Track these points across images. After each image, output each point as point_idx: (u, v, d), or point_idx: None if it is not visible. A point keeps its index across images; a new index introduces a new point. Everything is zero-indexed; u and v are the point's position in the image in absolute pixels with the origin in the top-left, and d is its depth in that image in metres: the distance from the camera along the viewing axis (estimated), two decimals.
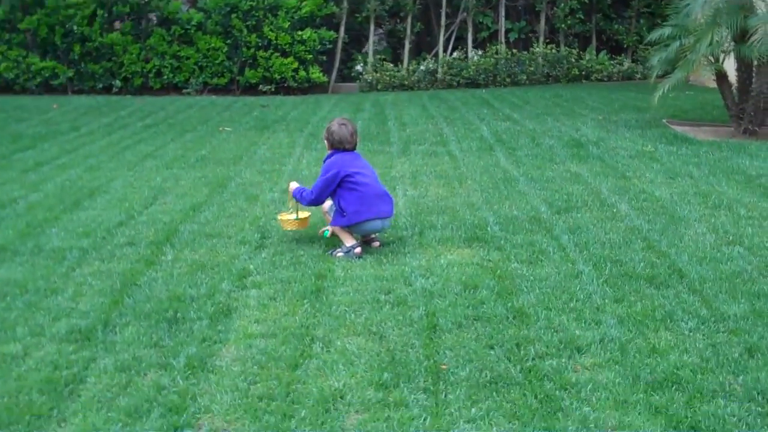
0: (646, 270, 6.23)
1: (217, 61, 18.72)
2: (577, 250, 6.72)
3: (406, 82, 19.20)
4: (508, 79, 19.37)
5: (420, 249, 6.87)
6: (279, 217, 7.26)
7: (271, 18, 18.67)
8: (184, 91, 18.77)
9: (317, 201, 6.86)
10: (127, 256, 6.85)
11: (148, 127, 13.48)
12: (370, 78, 19.21)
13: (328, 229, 7.03)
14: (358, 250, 6.77)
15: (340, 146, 6.83)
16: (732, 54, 12.14)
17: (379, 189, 6.88)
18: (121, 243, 7.20)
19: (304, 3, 18.73)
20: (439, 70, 19.39)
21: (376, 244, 7.08)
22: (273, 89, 18.89)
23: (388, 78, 19.14)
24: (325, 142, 6.96)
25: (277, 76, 18.78)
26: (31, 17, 18.31)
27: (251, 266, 6.52)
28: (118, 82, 18.65)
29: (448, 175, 9.50)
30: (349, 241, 6.83)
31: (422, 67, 19.45)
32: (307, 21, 18.81)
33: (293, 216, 7.14)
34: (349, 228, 6.80)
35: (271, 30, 18.65)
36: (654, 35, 12.74)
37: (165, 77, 18.69)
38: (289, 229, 7.19)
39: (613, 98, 16.01)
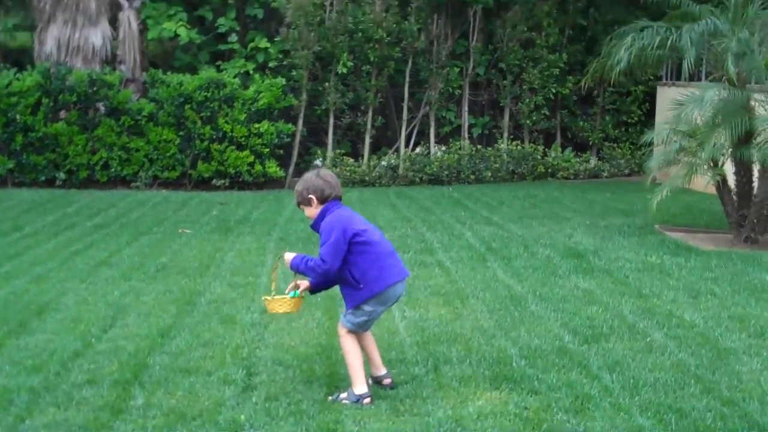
0: (718, 423, 5.18)
1: (168, 154, 17.55)
2: (626, 395, 5.67)
3: (367, 178, 18.19)
4: (472, 176, 18.46)
5: (440, 392, 5.76)
6: (266, 299, 5.97)
7: (227, 109, 17.60)
8: (132, 184, 17.53)
9: (332, 269, 5.59)
10: (87, 401, 5.64)
11: (99, 228, 12.21)
12: None
13: (296, 291, 5.88)
14: (367, 400, 5.61)
15: (330, 196, 5.75)
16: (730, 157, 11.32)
17: (389, 245, 5.91)
18: (79, 381, 5.98)
19: (261, 94, 17.70)
20: (401, 165, 18.42)
21: (388, 381, 5.92)
22: (227, 184, 17.74)
23: (348, 173, 18.10)
24: (312, 198, 5.73)
25: (231, 170, 17.64)
26: None
27: (242, 416, 5.35)
28: (62, 175, 17.35)
29: (445, 292, 8.40)
30: (360, 386, 5.64)
31: (384, 163, 18.49)
32: (264, 113, 17.76)
33: (287, 295, 5.87)
34: (372, 299, 5.66)
35: (226, 122, 17.57)
36: (648, 137, 11.91)
37: (112, 170, 17.45)
38: (280, 312, 5.97)
39: (590, 199, 15.12)
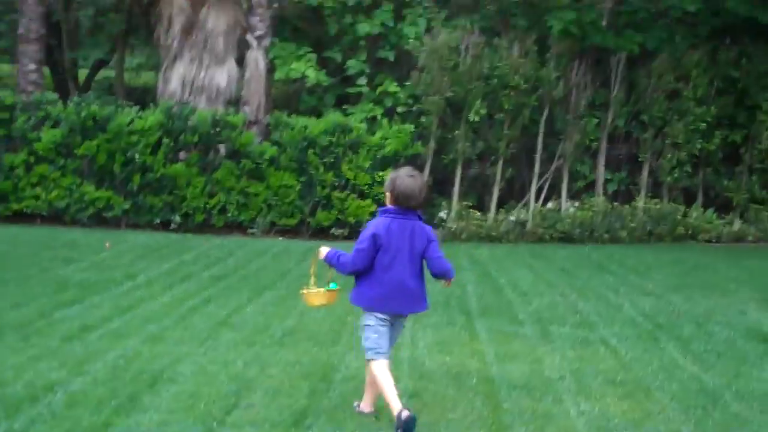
0: None
1: (287, 200, 16.52)
2: None
3: (494, 233, 16.85)
4: (606, 235, 16.98)
5: None
6: (304, 293, 6.27)
7: (351, 155, 16.51)
8: (249, 231, 16.53)
9: (355, 271, 5.87)
10: None
11: (217, 280, 11.12)
12: (455, 226, 16.89)
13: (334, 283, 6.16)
14: (405, 414, 5.53)
15: (404, 202, 5.75)
16: None
17: (404, 282, 5.81)
18: None
19: (388, 141, 16.58)
20: (530, 221, 17.03)
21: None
22: (346, 233, 16.60)
23: (474, 227, 16.81)
24: (387, 194, 5.87)
25: (352, 220, 16.51)
26: (91, 142, 16.25)
27: None
28: (177, 218, 16.45)
29: (621, 381, 7.00)
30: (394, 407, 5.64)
31: (512, 218, 17.13)
32: (390, 161, 16.62)
33: (321, 289, 6.16)
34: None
35: (349, 169, 16.47)
36: None
37: (229, 214, 16.48)
38: (316, 304, 6.31)
39: (748, 267, 13.53)
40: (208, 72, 17.82)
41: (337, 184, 16.49)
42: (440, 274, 5.96)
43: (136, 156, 16.19)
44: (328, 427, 5.76)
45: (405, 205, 5.74)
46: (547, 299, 10.29)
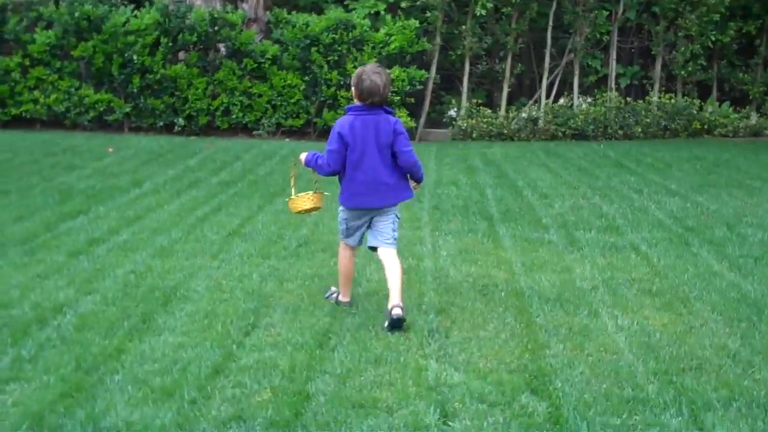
0: None
1: (292, 100, 15.99)
2: None
3: (505, 131, 16.38)
4: (620, 131, 16.51)
5: None
6: (289, 200, 6.30)
7: (356, 53, 15.92)
8: (254, 132, 16.05)
9: (332, 167, 5.89)
10: None
11: (226, 186, 10.69)
12: (465, 125, 16.40)
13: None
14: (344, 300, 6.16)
15: (368, 98, 5.73)
16: None
17: (376, 177, 5.83)
18: (222, 417, 4.44)
19: (392, 38, 15.96)
20: (542, 118, 16.53)
21: (397, 312, 5.66)
22: None
23: (485, 125, 16.32)
24: (353, 90, 5.83)
25: None
26: (86, 44, 15.65)
27: None
28: (181, 120, 15.94)
29: (658, 290, 6.62)
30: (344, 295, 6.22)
31: (524, 115, 16.62)
32: (395, 58, 16.04)
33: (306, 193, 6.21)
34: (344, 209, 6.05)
35: (354, 67, 15.88)
36: None
37: (234, 116, 15.97)
38: (302, 209, 6.28)
39: None
40: None
41: (342, 82, 15.93)
42: (408, 169, 5.94)
43: (134, 57, 15.61)
44: (354, 346, 5.39)
45: (369, 101, 5.74)
46: (569, 202, 9.87)
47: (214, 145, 14.02)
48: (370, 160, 5.77)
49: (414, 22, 16.00)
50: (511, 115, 16.62)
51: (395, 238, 6.05)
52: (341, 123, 5.82)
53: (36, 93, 15.74)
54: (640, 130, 16.54)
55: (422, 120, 16.65)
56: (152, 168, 11.83)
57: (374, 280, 6.80)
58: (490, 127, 16.34)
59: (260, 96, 15.96)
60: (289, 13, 16.22)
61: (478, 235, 8.26)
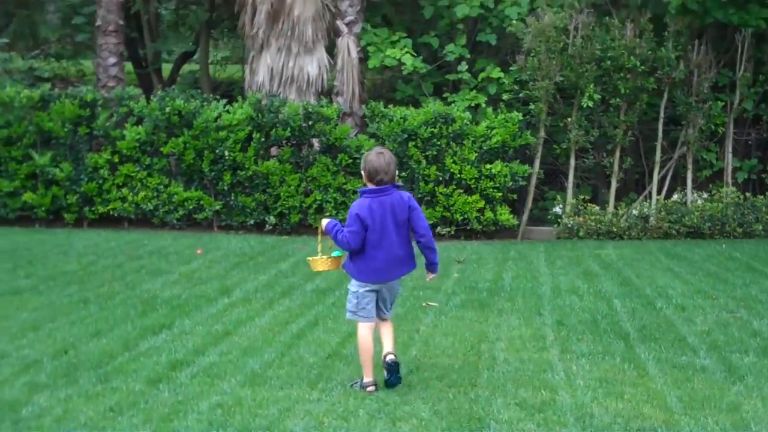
0: None
1: None
2: None
3: (614, 229, 15.10)
4: (739, 229, 15.10)
5: None
6: (310, 259, 6.54)
7: (455, 147, 14.90)
8: None
9: (355, 246, 6.13)
10: None
11: (323, 294, 9.63)
12: (571, 222, 15.18)
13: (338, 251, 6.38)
14: (370, 389, 6.15)
15: (376, 178, 6.12)
16: None
17: (393, 254, 6.16)
18: None
19: (494, 131, 14.92)
20: (653, 215, 15.23)
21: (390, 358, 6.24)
22: (452, 232, 15.03)
23: (593, 223, 15.08)
24: (363, 174, 6.24)
25: (458, 217, 14.91)
26: (177, 140, 14.94)
27: None
28: (272, 219, 15.04)
29: None
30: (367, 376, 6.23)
31: (634, 212, 15.34)
32: (497, 152, 14.98)
33: (324, 256, 6.41)
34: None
35: (454, 162, 14.87)
36: None
37: (327, 214, 15.00)
38: (320, 270, 6.49)
39: None
40: (297, 61, 16.36)
41: (441, 178, 14.90)
42: (425, 249, 6.28)
43: (226, 153, 14.83)
44: None
45: (377, 180, 6.09)
46: (712, 316, 8.54)
47: (306, 246, 13.00)
48: (388, 238, 6.09)
49: (517, 115, 14.96)
50: (620, 212, 15.35)
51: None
52: (359, 205, 6.14)
53: (124, 191, 15.04)
54: (761, 227, 15.11)
55: (525, 217, 15.49)
56: (242, 273, 10.85)
57: (503, 420, 5.59)
58: (599, 225, 15.08)
59: (355, 192, 14.98)
60: (385, 107, 15.32)
61: (617, 359, 7.00)
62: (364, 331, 6.24)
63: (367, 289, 6.21)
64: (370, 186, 6.16)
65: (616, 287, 9.92)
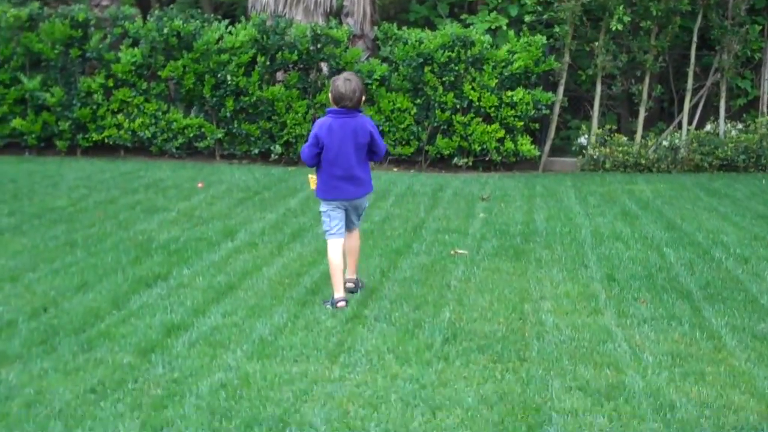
0: None
1: (402, 126, 13.83)
2: None
3: (643, 161, 13.96)
4: None
5: None
6: (309, 176, 6.64)
7: (474, 73, 13.68)
8: None
9: (308, 162, 6.50)
10: None
11: None
12: (597, 154, 14.04)
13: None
14: (341, 304, 6.21)
15: (340, 103, 6.26)
16: None
17: (345, 167, 6.32)
18: None
19: (516, 56, 13.69)
20: (684, 146, 14.07)
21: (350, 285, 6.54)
22: (470, 163, 13.91)
23: (620, 155, 13.94)
24: (329, 95, 6.41)
25: (477, 147, 13.76)
26: (175, 63, 13.73)
27: None
28: (278, 148, 13.90)
29: None
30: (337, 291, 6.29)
31: (665, 143, 14.18)
32: (519, 79, 13.77)
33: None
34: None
35: (473, 89, 13.66)
36: None
37: None
38: (314, 189, 6.51)
39: None
40: None
41: (458, 106, 13.72)
42: (380, 157, 6.59)
43: (228, 78, 13.62)
44: None
45: (342, 105, 6.25)
46: None
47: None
48: (346, 157, 6.28)
49: (540, 38, 13.72)
50: (649, 143, 14.18)
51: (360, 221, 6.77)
52: (320, 124, 6.35)
53: (120, 117, 13.88)
54: None
55: (547, 147, 14.35)
56: (247, 210, 9.76)
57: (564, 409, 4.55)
58: (626, 157, 13.95)
59: None
60: (399, 29, 14.06)
61: (685, 326, 5.92)
62: (335, 247, 6.34)
63: (333, 207, 6.39)
64: (335, 107, 6.31)
65: (662, 232, 8.80)
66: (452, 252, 7.92)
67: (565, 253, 7.92)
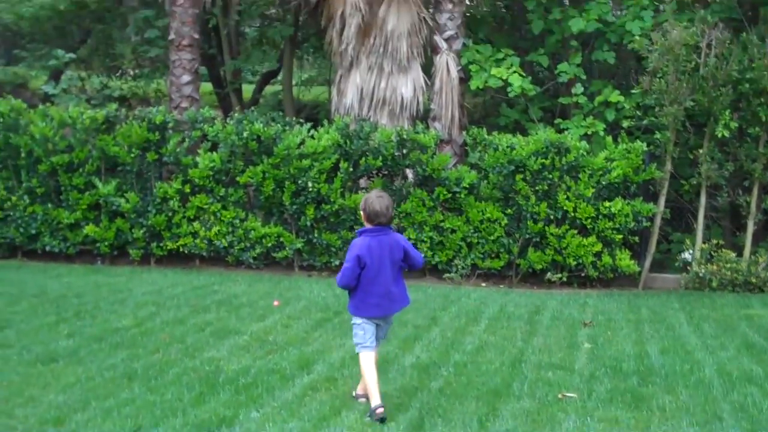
0: None
1: (491, 237, 12.83)
2: None
3: (753, 280, 12.69)
4: None
5: None
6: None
7: (569, 182, 12.68)
8: (445, 275, 12.93)
9: (348, 285, 6.38)
10: None
11: (425, 373, 7.46)
12: (702, 271, 12.81)
13: None
14: (379, 411, 6.13)
15: (375, 220, 6.34)
16: None
17: (389, 290, 6.35)
18: None
19: (614, 163, 12.68)
20: None
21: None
22: (564, 278, 12.80)
23: (728, 272, 12.70)
24: (362, 214, 6.47)
25: (572, 262, 12.66)
26: (255, 168, 13.00)
27: None
28: None
29: None
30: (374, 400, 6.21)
31: None
32: (617, 188, 12.73)
33: None
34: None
35: (567, 198, 12.64)
36: None
37: (422, 254, 12.83)
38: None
39: None
40: (390, 81, 14.40)
41: (552, 217, 12.69)
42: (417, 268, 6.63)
43: (309, 184, 12.82)
44: None
45: (377, 222, 6.34)
46: None
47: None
48: (384, 275, 6.30)
49: (641, 145, 12.70)
50: (760, 260, 12.92)
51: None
52: (359, 245, 6.30)
53: (196, 225, 13.14)
54: None
55: (647, 263, 13.17)
56: (326, 335, 8.80)
57: None
58: (735, 275, 12.70)
59: (453, 231, 12.88)
60: (488, 134, 13.17)
61: None
62: (368, 360, 6.33)
63: (368, 323, 6.37)
64: (369, 226, 6.37)
65: None
66: (560, 395, 6.81)
67: (692, 399, 6.75)
